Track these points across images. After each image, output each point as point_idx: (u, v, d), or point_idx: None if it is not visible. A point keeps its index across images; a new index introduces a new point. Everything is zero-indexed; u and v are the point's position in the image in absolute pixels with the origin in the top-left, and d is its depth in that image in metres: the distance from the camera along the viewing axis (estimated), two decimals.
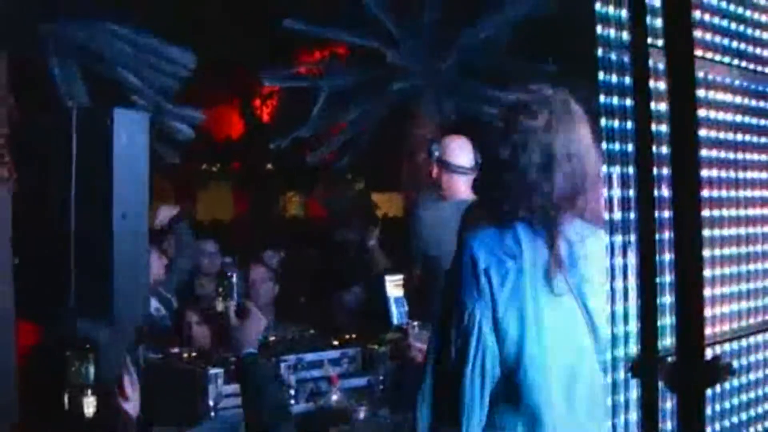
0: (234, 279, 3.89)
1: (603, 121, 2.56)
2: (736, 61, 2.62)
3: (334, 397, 5.43)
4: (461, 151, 6.00)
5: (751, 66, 2.68)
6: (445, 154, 5.97)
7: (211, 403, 5.26)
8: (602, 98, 2.56)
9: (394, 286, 5.44)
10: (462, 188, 5.91)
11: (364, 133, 8.47)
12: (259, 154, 20.29)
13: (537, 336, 2.87)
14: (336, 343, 6.33)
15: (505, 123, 3.06)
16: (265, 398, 3.55)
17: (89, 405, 3.20)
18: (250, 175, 21.91)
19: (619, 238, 2.63)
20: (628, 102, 2.55)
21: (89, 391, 3.21)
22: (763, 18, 2.69)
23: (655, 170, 2.51)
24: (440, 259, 5.73)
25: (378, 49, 8.55)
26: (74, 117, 3.64)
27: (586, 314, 2.92)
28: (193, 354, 5.99)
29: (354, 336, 6.51)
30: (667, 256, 2.43)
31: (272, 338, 6.06)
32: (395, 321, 5.40)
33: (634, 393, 2.66)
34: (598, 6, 2.50)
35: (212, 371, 5.34)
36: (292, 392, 5.32)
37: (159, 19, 6.13)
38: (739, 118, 2.68)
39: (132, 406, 3.43)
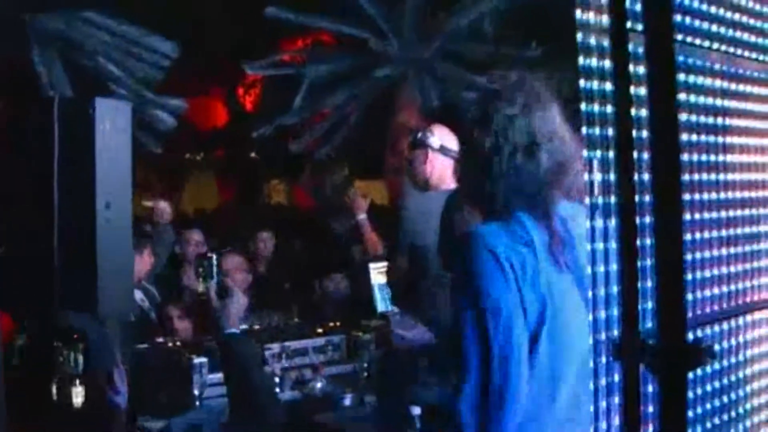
0: (214, 260, 3.91)
1: (583, 106, 2.57)
2: (715, 45, 2.63)
3: (319, 385, 5.45)
4: (450, 137, 6.03)
5: (731, 49, 2.69)
6: (438, 139, 5.99)
7: (196, 392, 5.27)
8: (582, 83, 2.57)
9: (378, 273, 5.45)
10: (450, 175, 5.94)
11: (347, 120, 8.46)
12: (243, 142, 20.27)
13: (553, 316, 2.93)
14: (320, 330, 6.34)
15: (482, 110, 3.10)
16: (250, 378, 3.56)
17: (78, 395, 3.21)
18: (234, 164, 21.88)
19: (600, 223, 2.64)
20: (608, 86, 2.56)
21: (77, 381, 3.22)
22: (741, 1, 2.70)
23: (635, 155, 2.52)
24: (427, 248, 5.75)
25: (361, 36, 8.54)
26: (56, 106, 3.63)
27: (583, 291, 2.95)
28: (178, 343, 6.00)
29: (338, 324, 6.52)
30: (648, 241, 2.44)
31: (257, 326, 6.08)
32: (380, 308, 5.41)
33: (616, 377, 2.68)
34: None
35: (197, 360, 5.35)
36: (277, 380, 5.33)
37: (140, 8, 6.11)
38: (719, 102, 2.69)
39: (121, 397, 3.43)
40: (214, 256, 3.96)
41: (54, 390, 3.28)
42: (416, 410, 4.58)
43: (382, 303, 5.41)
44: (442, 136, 6.03)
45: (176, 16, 12.02)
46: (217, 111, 21.16)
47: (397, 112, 8.39)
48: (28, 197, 3.70)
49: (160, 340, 5.91)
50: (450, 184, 5.92)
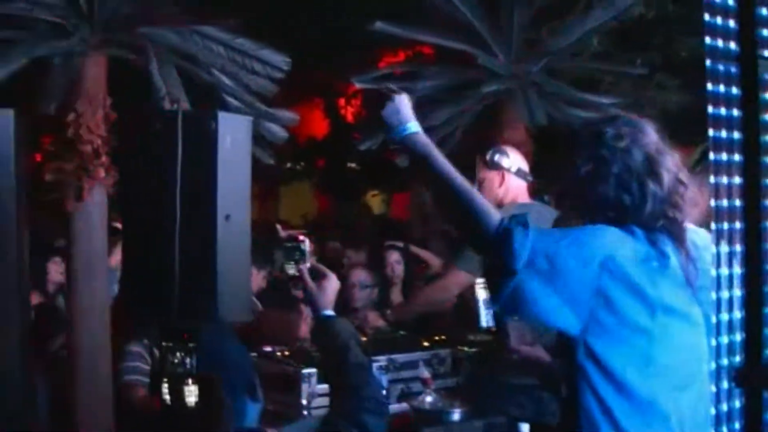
0: (306, 244, 3.94)
1: (710, 131, 2.59)
2: None
3: (428, 399, 5.47)
4: (523, 159, 6.09)
5: None
6: (514, 162, 6.04)
7: (304, 401, 5.33)
8: (710, 108, 2.59)
9: (481, 289, 5.45)
10: (524, 195, 6.00)
11: (453, 135, 8.47)
12: (343, 153, 20.37)
13: (680, 332, 3.00)
14: (426, 344, 6.37)
15: (592, 137, 3.22)
16: (348, 358, 3.56)
17: (191, 394, 3.26)
18: (333, 174, 21.98)
19: (725, 248, 2.65)
20: (736, 112, 2.57)
21: (190, 381, 3.27)
22: None
23: (763, 181, 2.53)
24: None
25: (466, 52, 8.53)
26: (179, 120, 3.70)
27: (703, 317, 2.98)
28: (286, 353, 6.06)
29: (443, 337, 6.54)
30: None
31: (363, 339, 6.13)
32: (483, 323, 5.41)
33: (737, 402, 2.68)
34: (706, 16, 2.52)
35: (306, 371, 5.41)
36: (384, 392, 5.35)
37: (249, 21, 6.19)
38: None
39: (259, 405, 3.47)
40: (307, 240, 3.99)
41: (165, 389, 3.34)
42: (525, 428, 4.59)
43: (486, 318, 5.40)
44: (517, 159, 6.08)
45: (281, 28, 12.17)
46: (318, 121, 21.29)
47: (503, 128, 8.37)
48: (151, 208, 3.77)
49: (268, 349, 5.97)
50: (524, 200, 5.98)
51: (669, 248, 3.03)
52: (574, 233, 3.18)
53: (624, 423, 3.03)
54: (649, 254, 3.03)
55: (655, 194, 3.12)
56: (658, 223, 3.10)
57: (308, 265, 3.92)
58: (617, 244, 3.06)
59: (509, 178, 6.07)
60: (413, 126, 3.44)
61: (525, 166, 6.16)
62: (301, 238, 4.00)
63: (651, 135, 3.21)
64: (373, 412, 3.43)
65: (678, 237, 3.06)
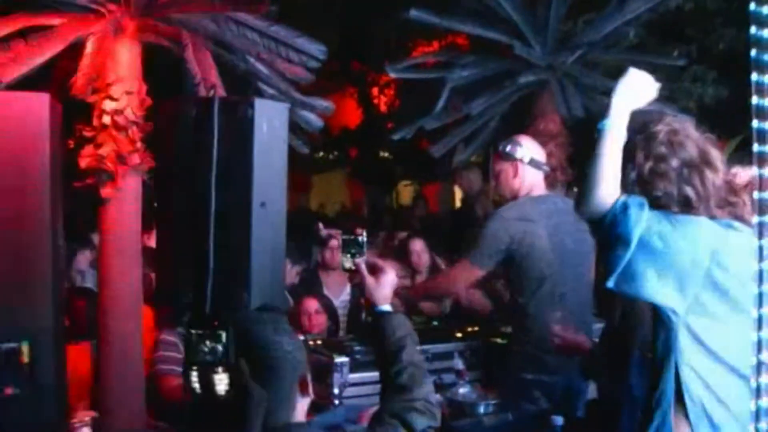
0: (364, 239, 3.92)
1: (755, 122, 2.54)
2: None
3: (462, 390, 5.45)
4: (539, 149, 6.08)
5: None
6: (528, 153, 6.03)
7: (336, 391, 5.32)
8: (755, 99, 2.54)
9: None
10: (541, 185, 6.00)
11: (488, 125, 8.44)
12: (376, 142, 20.38)
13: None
14: (459, 335, 6.35)
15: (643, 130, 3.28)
16: (402, 355, 3.54)
17: (221, 382, 3.25)
18: (366, 163, 21.99)
19: None
20: None
21: (220, 369, 3.26)
22: None
23: None
24: (528, 253, 5.74)
25: (506, 42, 8.49)
26: (215, 107, 3.69)
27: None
28: (318, 342, 6.06)
29: (476, 329, 6.52)
30: None
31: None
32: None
33: None
34: (752, 5, 2.48)
35: (338, 360, 5.40)
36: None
37: (285, 9, 6.16)
38: None
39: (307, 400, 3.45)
40: (364, 234, 3.97)
41: (194, 377, 3.32)
42: (559, 420, 4.56)
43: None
44: (531, 149, 6.05)
45: (316, 16, 12.16)
46: (352, 111, 21.30)
47: (537, 119, 8.33)
48: (186, 196, 3.75)
49: (301, 338, 5.97)
50: (541, 192, 5.96)
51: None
52: (684, 218, 3.27)
53: (723, 396, 3.18)
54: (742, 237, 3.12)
55: (714, 183, 3.27)
56: (726, 210, 3.18)
57: (365, 258, 3.89)
58: (721, 232, 3.20)
59: (523, 168, 6.06)
60: None
61: (540, 156, 6.14)
62: (359, 231, 3.98)
63: (694, 127, 3.30)
64: (422, 413, 3.42)
65: (748, 220, 3.10)
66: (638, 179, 3.34)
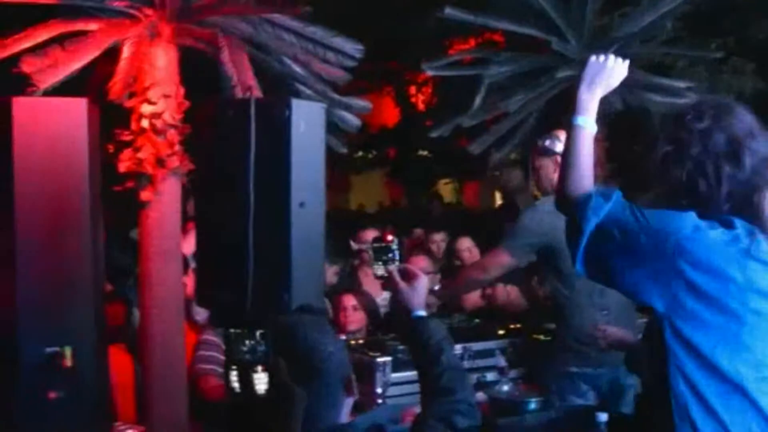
0: (396, 244, 3.89)
1: None
2: None
3: (505, 388, 5.42)
4: None
5: None
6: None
7: (379, 390, 5.31)
8: None
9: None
10: None
11: (526, 121, 8.41)
12: (414, 140, 20.36)
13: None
14: (501, 332, 6.33)
15: (676, 126, 3.18)
16: (441, 360, 3.52)
17: (260, 381, 3.24)
18: (404, 162, 21.97)
19: None
20: None
21: (260, 368, 3.25)
22: None
23: None
24: (555, 247, 5.71)
25: (537, 38, 8.47)
26: (252, 108, 3.69)
27: None
28: (360, 341, 6.05)
29: (518, 326, 6.50)
30: None
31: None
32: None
33: None
34: None
35: (380, 359, 5.39)
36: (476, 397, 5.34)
37: (321, 9, 6.15)
38: None
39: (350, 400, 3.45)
40: (396, 241, 3.94)
41: (233, 377, 3.32)
42: (603, 417, 4.53)
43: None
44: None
45: (351, 16, 12.15)
46: (389, 110, 21.30)
47: None
48: (225, 196, 3.76)
49: (343, 337, 5.97)
50: None
51: (757, 232, 2.98)
52: (654, 212, 3.16)
53: (713, 403, 3.03)
54: (734, 237, 2.98)
55: (732, 177, 3.07)
56: (741, 208, 3.06)
57: (397, 265, 3.87)
58: (691, 228, 3.01)
59: None
60: None
61: None
62: (390, 238, 3.96)
63: (740, 116, 3.15)
64: (465, 415, 3.41)
65: (763, 221, 3.01)
66: (656, 162, 3.26)
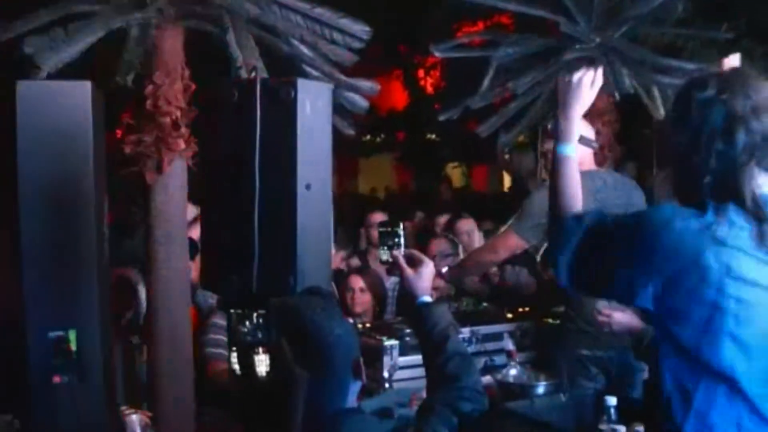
0: (401, 230, 3.86)
1: None
2: None
3: (513, 372, 5.39)
4: (587, 127, 6.03)
5: None
6: (582, 130, 5.98)
7: (386, 374, 5.28)
8: None
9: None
10: (589, 161, 5.95)
11: (535, 103, 8.34)
12: (422, 124, 20.35)
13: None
14: (510, 315, 6.30)
15: (679, 97, 3.11)
16: (448, 346, 3.51)
17: (261, 363, 3.22)
18: (413, 146, 21.96)
19: None
20: None
21: (260, 350, 3.23)
22: None
23: None
24: None
25: (545, 21, 8.39)
26: (258, 88, 3.66)
27: None
28: (367, 325, 6.02)
29: (527, 309, 6.46)
30: None
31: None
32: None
33: None
34: None
35: (388, 342, 5.36)
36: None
37: None
38: None
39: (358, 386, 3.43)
40: (401, 226, 3.91)
41: (234, 359, 3.30)
42: (612, 401, 4.50)
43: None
44: (580, 127, 5.99)
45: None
46: (398, 93, 21.27)
47: None
48: (230, 179, 3.73)
49: (350, 321, 5.94)
50: (589, 167, 5.91)
51: (741, 217, 2.89)
52: (629, 214, 3.16)
53: (697, 399, 2.93)
54: (706, 224, 2.88)
55: (723, 154, 2.96)
56: (725, 187, 2.95)
57: (403, 250, 3.83)
58: (661, 222, 2.93)
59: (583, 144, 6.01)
60: None
61: (590, 134, 6.08)
62: (396, 223, 3.92)
63: (749, 91, 3.01)
64: (470, 401, 3.40)
65: (751, 206, 2.91)
66: (664, 135, 3.21)
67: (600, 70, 3.68)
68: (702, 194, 2.92)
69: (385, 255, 3.87)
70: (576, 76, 3.61)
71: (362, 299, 6.94)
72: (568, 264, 3.14)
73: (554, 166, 3.52)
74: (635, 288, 2.95)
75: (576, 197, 3.40)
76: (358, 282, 6.99)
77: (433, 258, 4.40)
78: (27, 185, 4.23)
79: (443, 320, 3.59)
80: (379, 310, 7.12)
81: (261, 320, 3.41)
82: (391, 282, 7.48)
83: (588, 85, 3.62)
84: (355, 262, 8.55)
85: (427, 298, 3.65)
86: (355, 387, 3.33)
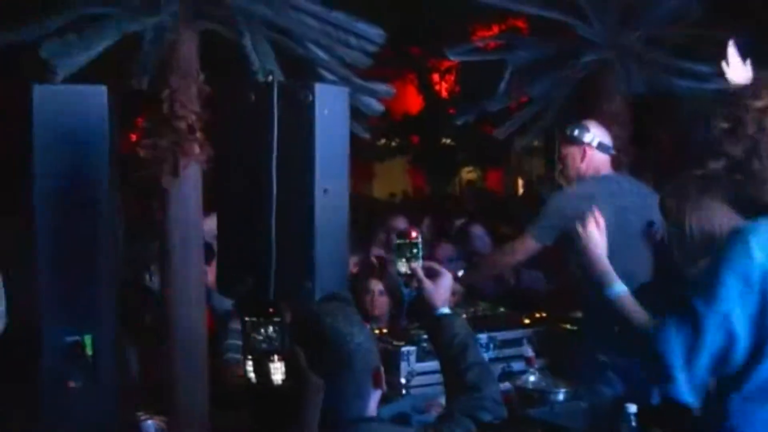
0: (420, 241, 3.84)
1: None
2: None
3: (532, 378, 5.36)
4: (605, 133, 6.07)
5: None
6: (596, 136, 6.05)
7: (403, 380, 5.26)
8: None
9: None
10: (607, 167, 6.02)
11: (551, 107, 8.31)
12: (437, 128, 20.33)
13: None
14: (527, 321, 6.27)
15: (732, 108, 3.14)
16: (467, 357, 3.50)
17: (276, 371, 3.19)
18: (428, 150, 21.95)
19: None
20: None
21: (276, 358, 3.20)
22: None
23: None
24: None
25: (560, 22, 8.36)
26: (274, 92, 3.63)
27: None
28: (384, 330, 6.00)
29: (544, 315, 6.44)
30: None
31: (463, 315, 6.03)
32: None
33: None
34: None
35: (405, 349, 5.34)
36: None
37: None
38: None
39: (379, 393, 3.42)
40: (419, 237, 3.89)
41: (249, 367, 3.27)
42: (632, 408, 4.47)
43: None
44: (598, 133, 6.06)
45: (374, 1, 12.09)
46: (412, 97, 21.27)
47: (600, 99, 8.20)
48: (247, 183, 3.70)
49: (366, 325, 5.91)
50: (606, 172, 5.95)
51: None
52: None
53: None
54: None
55: None
56: None
57: (421, 263, 3.81)
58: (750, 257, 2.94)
59: (591, 152, 6.13)
60: None
61: (607, 140, 6.18)
62: (414, 234, 3.90)
63: None
64: (490, 411, 3.40)
65: None
66: (709, 141, 3.21)
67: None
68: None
69: (403, 267, 3.85)
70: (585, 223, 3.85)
71: (380, 302, 6.92)
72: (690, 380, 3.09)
73: (612, 306, 3.58)
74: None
75: (642, 312, 3.42)
76: (377, 285, 6.97)
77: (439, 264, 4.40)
78: (42, 190, 4.22)
79: (462, 330, 3.60)
80: (395, 313, 7.09)
81: (276, 327, 3.38)
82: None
83: (595, 230, 3.76)
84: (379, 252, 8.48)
85: (446, 309, 3.66)
86: (375, 395, 3.31)
